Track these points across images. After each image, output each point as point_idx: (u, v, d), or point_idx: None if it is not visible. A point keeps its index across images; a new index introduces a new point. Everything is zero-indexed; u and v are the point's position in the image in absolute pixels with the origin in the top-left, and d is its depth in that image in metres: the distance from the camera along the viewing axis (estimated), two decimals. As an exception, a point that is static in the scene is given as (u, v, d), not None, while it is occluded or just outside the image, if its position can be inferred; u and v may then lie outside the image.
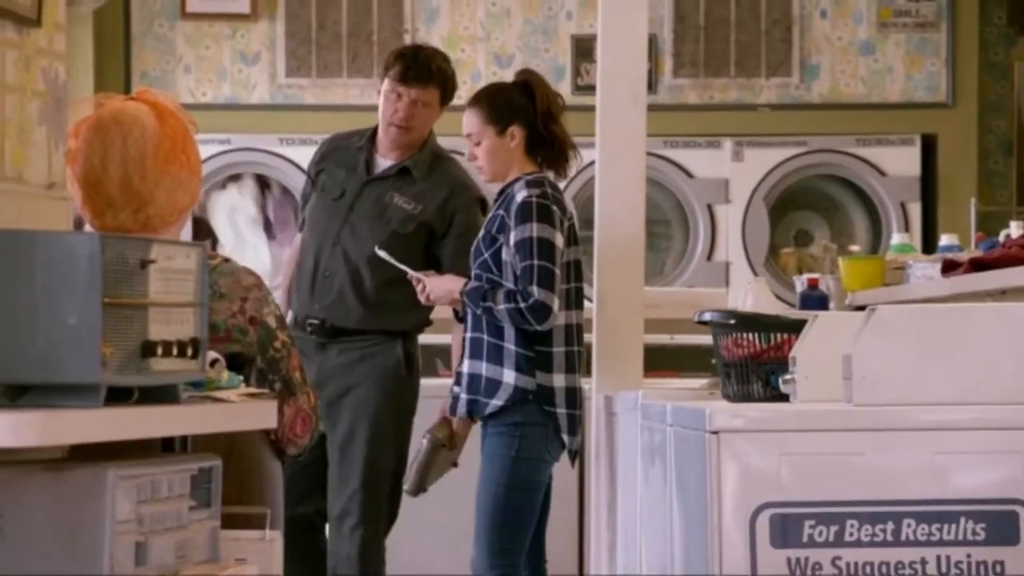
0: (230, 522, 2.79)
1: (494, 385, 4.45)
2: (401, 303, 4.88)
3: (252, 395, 2.82)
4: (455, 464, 4.85)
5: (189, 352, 2.58)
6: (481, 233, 4.56)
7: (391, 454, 4.92)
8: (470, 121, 4.56)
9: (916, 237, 7.88)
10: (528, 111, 4.54)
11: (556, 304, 4.41)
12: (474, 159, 4.59)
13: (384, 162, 4.98)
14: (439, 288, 4.62)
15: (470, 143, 4.58)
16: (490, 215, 4.58)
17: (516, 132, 4.54)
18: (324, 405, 4.72)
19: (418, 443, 4.75)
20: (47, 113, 2.90)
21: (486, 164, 4.55)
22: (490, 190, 4.86)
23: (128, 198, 2.88)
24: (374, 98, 8.39)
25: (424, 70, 4.91)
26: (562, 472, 4.75)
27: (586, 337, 4.89)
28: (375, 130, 5.02)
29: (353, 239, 4.91)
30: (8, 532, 2.47)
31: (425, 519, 5.76)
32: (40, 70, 2.90)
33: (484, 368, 4.48)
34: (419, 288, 4.68)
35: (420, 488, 4.76)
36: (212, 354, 2.78)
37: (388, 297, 4.88)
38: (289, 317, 4.99)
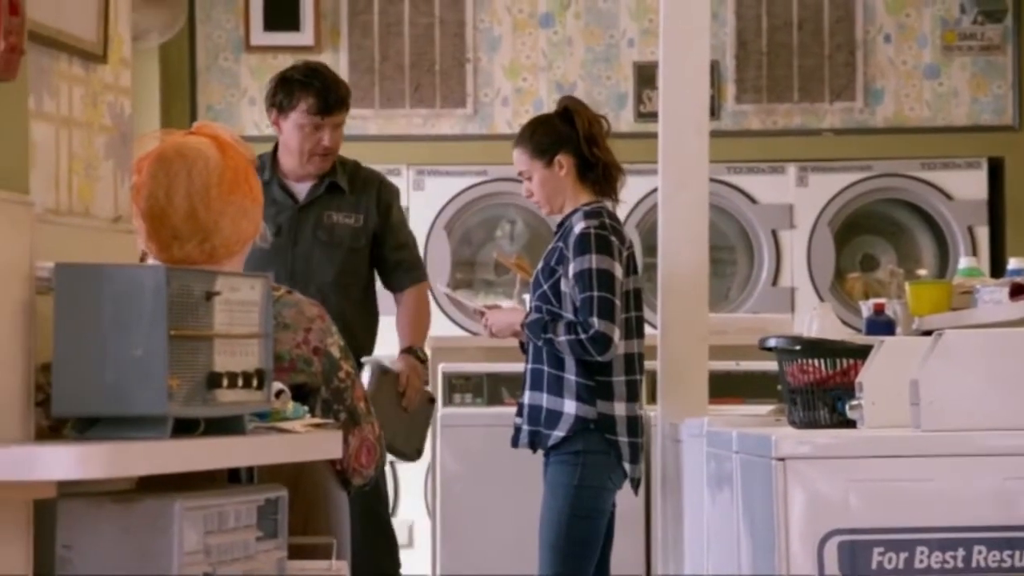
0: (296, 552, 2.80)
1: (555, 416, 4.45)
2: (365, 324, 4.93)
3: (317, 425, 2.84)
4: (432, 399, 5.01)
5: (254, 383, 2.59)
6: (540, 265, 4.56)
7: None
8: (519, 159, 4.58)
9: (984, 261, 7.81)
10: (572, 138, 4.53)
11: (617, 335, 4.41)
12: (530, 195, 4.60)
13: (301, 186, 4.92)
14: (500, 321, 4.63)
15: (524, 180, 4.59)
16: (549, 247, 4.58)
17: (563, 161, 4.54)
18: None
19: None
20: (113, 148, 2.93)
21: (541, 198, 4.56)
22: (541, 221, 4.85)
23: (194, 229, 2.90)
24: (437, 127, 8.46)
25: (340, 97, 4.86)
26: (628, 499, 4.74)
27: (650, 365, 4.88)
28: (273, 159, 4.93)
29: (309, 270, 4.83)
30: (77, 563, 2.49)
31: (484, 543, 5.75)
32: (106, 105, 2.93)
33: (545, 400, 4.48)
34: (482, 322, 4.69)
35: None
36: (277, 385, 2.80)
37: (356, 321, 4.85)
38: None
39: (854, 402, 3.60)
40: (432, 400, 5.04)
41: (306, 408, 2.89)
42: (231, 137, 2.98)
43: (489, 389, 5.92)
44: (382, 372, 4.86)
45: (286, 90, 4.83)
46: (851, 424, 3.62)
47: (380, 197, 4.95)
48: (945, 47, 8.24)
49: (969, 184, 8.06)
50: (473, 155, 8.02)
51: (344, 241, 4.87)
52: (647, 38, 8.10)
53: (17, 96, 2.54)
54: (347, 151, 8.30)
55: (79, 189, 2.83)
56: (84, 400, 2.44)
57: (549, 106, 7.94)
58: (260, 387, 2.61)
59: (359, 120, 8.18)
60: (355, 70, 8.14)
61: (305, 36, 8.07)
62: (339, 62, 8.12)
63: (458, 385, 5.84)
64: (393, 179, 8.38)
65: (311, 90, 4.79)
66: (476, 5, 8.14)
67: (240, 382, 2.55)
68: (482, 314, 4.69)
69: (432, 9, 8.13)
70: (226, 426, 2.59)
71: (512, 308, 4.79)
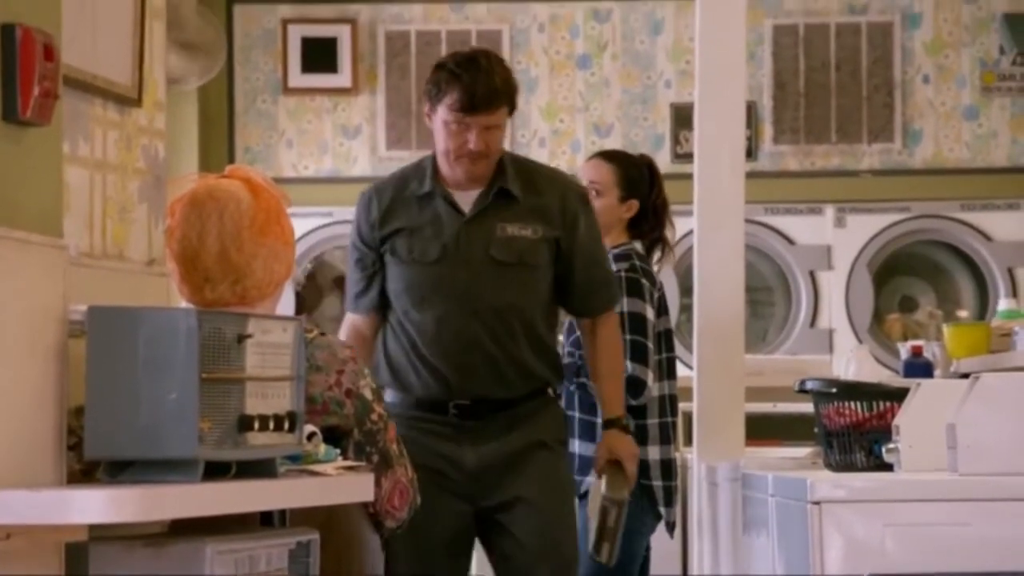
0: (328, 596, 2.79)
1: (587, 462, 4.41)
2: (545, 357, 4.12)
3: (349, 468, 2.83)
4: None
5: (286, 426, 2.59)
6: None
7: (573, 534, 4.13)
8: (601, 172, 4.61)
9: (1024, 302, 7.77)
10: (647, 192, 4.62)
11: (650, 378, 4.39)
12: None
13: (466, 195, 4.09)
14: None
15: (590, 190, 4.49)
16: None
17: (634, 205, 4.62)
18: (479, 485, 4.03)
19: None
20: (147, 191, 2.95)
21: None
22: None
23: (226, 271, 2.91)
24: (475, 169, 8.47)
25: (490, 94, 4.01)
26: (664, 542, 4.72)
27: (686, 406, 4.86)
28: (433, 166, 4.13)
29: (481, 293, 4.03)
30: (108, 606, 2.49)
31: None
32: (141, 149, 2.95)
33: (577, 446, 4.46)
34: None
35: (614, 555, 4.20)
36: (309, 427, 2.80)
37: (534, 352, 4.08)
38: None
39: (891, 445, 3.58)
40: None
41: (338, 451, 2.89)
42: (264, 180, 2.99)
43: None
44: (623, 503, 4.17)
45: (435, 79, 4.06)
46: (888, 467, 3.60)
47: (565, 202, 4.11)
48: (984, 88, 8.22)
49: (1009, 225, 8.02)
50: (510, 196, 8.02)
51: (521, 257, 4.05)
52: (684, 79, 8.10)
53: (51, 140, 2.55)
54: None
55: (113, 232, 2.84)
56: (116, 443, 2.45)
57: (587, 147, 7.95)
58: (292, 430, 2.61)
59: (396, 162, 8.21)
60: (392, 112, 8.16)
61: (343, 78, 8.11)
62: (376, 104, 8.15)
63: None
64: (431, 220, 8.44)
65: (458, 83, 4.00)
66: (513, 47, 8.17)
67: (272, 425, 2.55)
68: None
69: (469, 51, 8.16)
70: (258, 469, 2.58)
71: None
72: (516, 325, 4.05)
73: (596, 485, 4.20)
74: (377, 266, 4.13)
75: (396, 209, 4.12)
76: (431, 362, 4.02)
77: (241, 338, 2.50)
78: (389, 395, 4.10)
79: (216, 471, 2.50)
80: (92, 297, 2.57)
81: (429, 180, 4.12)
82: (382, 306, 4.11)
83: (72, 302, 2.52)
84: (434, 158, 4.14)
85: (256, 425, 2.51)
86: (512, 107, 4.09)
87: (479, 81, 4.01)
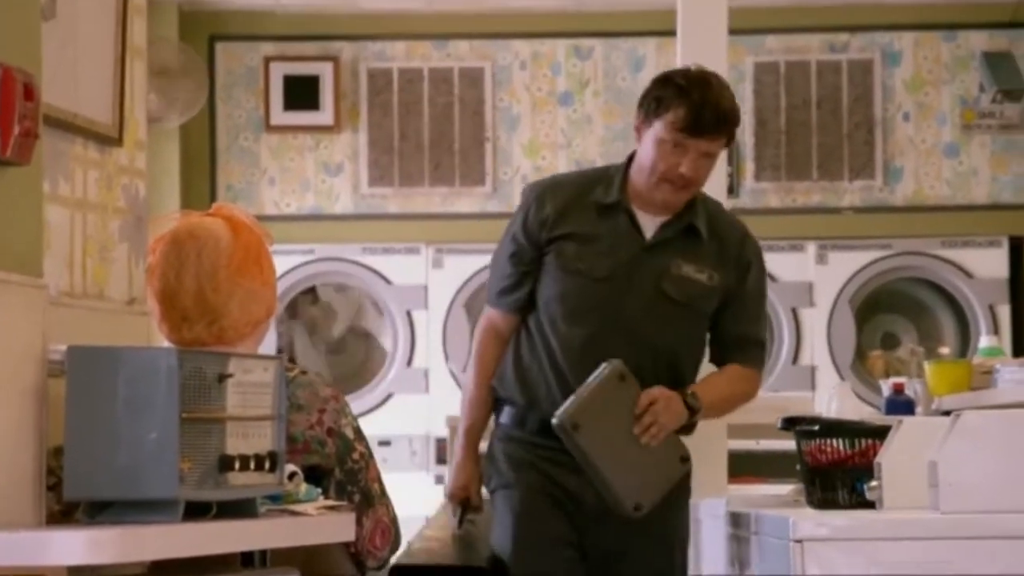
0: (309, 636, 2.77)
1: None
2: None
3: (330, 508, 2.82)
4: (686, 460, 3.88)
5: (267, 465, 2.59)
6: None
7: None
8: None
9: (1006, 339, 7.78)
10: None
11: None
12: None
13: (651, 219, 3.87)
14: None
15: None
16: None
17: None
18: (594, 528, 3.87)
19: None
20: (127, 230, 2.94)
21: None
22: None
23: (202, 311, 2.90)
24: (456, 206, 8.49)
25: (718, 119, 3.78)
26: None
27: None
28: (623, 177, 3.89)
29: (642, 328, 3.82)
30: (87, 648, 2.47)
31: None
32: (121, 188, 2.94)
33: None
34: None
35: (572, 422, 3.69)
36: (290, 467, 2.79)
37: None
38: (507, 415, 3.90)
39: (873, 483, 3.57)
40: (685, 459, 3.90)
41: (319, 490, 2.88)
42: (246, 218, 2.98)
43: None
44: (619, 377, 3.74)
45: (658, 93, 3.81)
46: (870, 505, 3.59)
47: (742, 250, 3.92)
48: (964, 126, 8.25)
49: (990, 263, 8.04)
50: (492, 233, 7.98)
51: (691, 300, 3.85)
52: (666, 117, 8.12)
53: (32, 180, 2.55)
54: (365, 230, 8.34)
55: (93, 271, 2.83)
56: (96, 484, 2.44)
57: (568, 185, 7.97)
58: (272, 469, 2.60)
59: (379, 199, 8.21)
60: (374, 149, 8.17)
61: (325, 116, 8.12)
62: (358, 141, 8.16)
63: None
64: (412, 257, 8.47)
65: (685, 100, 3.76)
66: (495, 84, 8.19)
67: (252, 464, 2.55)
68: None
69: (451, 88, 8.17)
70: (238, 509, 2.57)
71: None
72: (663, 366, 3.84)
73: None
74: (534, 265, 3.90)
75: (572, 211, 3.88)
76: (567, 379, 3.79)
77: (222, 377, 2.49)
78: (506, 415, 3.89)
79: (196, 511, 2.49)
80: (72, 337, 2.56)
81: (617, 190, 3.88)
82: (525, 307, 3.90)
83: (52, 341, 2.52)
84: (625, 168, 3.91)
85: (237, 465, 2.50)
86: (731, 138, 3.87)
87: (709, 102, 3.78)
